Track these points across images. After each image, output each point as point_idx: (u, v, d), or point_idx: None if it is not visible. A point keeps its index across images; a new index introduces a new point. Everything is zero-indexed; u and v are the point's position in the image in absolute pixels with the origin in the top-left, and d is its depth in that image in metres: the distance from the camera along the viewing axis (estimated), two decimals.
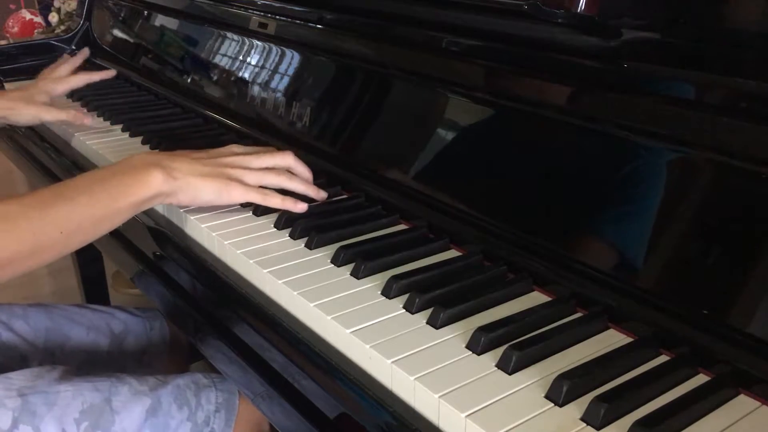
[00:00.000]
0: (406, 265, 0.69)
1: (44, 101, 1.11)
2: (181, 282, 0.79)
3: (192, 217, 0.80)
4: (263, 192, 0.79)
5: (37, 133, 1.18)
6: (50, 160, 1.12)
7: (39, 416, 0.72)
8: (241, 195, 0.78)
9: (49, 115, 1.09)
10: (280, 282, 0.66)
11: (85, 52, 1.33)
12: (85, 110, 1.19)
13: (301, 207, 0.79)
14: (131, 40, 1.46)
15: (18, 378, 0.76)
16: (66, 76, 1.18)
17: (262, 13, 1.08)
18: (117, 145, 1.05)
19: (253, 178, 0.80)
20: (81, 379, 0.77)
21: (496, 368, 0.54)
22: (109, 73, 1.25)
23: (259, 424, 0.83)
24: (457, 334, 0.58)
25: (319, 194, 0.83)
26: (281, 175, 0.81)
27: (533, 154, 0.69)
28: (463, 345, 0.57)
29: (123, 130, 1.11)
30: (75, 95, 1.29)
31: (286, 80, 1.01)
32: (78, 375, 0.79)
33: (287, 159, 0.83)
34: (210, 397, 0.81)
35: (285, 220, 0.77)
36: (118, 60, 1.46)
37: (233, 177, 0.79)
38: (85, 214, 0.70)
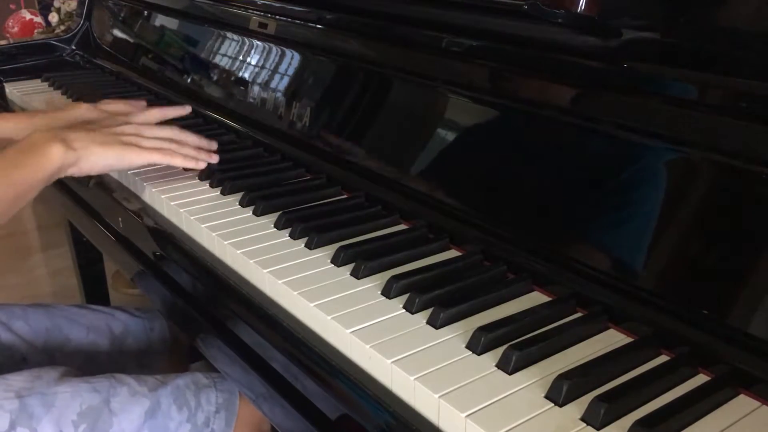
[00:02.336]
0: (406, 265, 0.69)
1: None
2: (182, 282, 0.79)
3: (192, 217, 0.80)
4: (163, 151, 0.85)
5: None
6: None
7: (36, 418, 0.72)
8: (140, 157, 0.84)
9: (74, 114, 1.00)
10: (280, 282, 0.66)
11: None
12: None
13: (202, 164, 0.86)
14: (131, 40, 1.46)
15: (16, 379, 0.76)
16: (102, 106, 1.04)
17: (262, 13, 1.08)
18: None
19: (148, 142, 0.85)
20: (79, 380, 0.77)
21: (496, 368, 0.54)
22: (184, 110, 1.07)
23: (259, 425, 0.83)
24: (457, 334, 0.58)
25: (212, 157, 0.90)
26: (173, 143, 0.87)
27: (533, 154, 0.69)
28: (463, 345, 0.57)
29: None
30: (74, 95, 1.29)
31: (286, 80, 1.01)
32: (77, 376, 0.79)
33: (174, 131, 0.90)
34: (210, 397, 0.80)
35: (285, 220, 0.77)
36: (118, 60, 1.46)
37: (130, 142, 0.84)
38: (5, 194, 0.75)
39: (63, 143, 0.78)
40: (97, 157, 0.81)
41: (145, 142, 0.85)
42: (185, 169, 0.90)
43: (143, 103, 1.03)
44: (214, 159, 0.90)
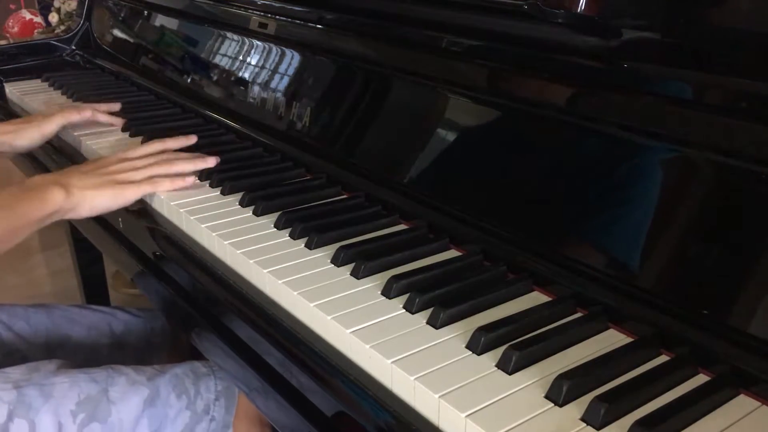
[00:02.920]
0: (406, 265, 0.69)
1: (33, 138, 1.07)
2: (181, 282, 0.80)
3: (192, 218, 0.80)
4: (153, 181, 0.87)
5: None
6: (50, 161, 1.12)
7: (34, 409, 0.72)
8: (133, 193, 0.86)
9: (49, 127, 1.07)
10: (280, 282, 0.66)
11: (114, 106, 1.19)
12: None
13: (189, 182, 0.88)
14: (131, 40, 1.46)
15: (14, 371, 0.76)
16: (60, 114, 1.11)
17: (262, 13, 1.08)
18: (117, 145, 1.05)
19: (140, 174, 0.87)
20: (77, 371, 0.77)
21: (496, 368, 0.54)
22: (117, 121, 1.13)
23: (260, 414, 0.83)
24: (457, 334, 0.58)
25: (207, 162, 0.91)
26: (163, 164, 0.89)
27: (533, 153, 0.69)
28: (463, 345, 0.57)
29: (123, 130, 1.11)
30: (74, 95, 1.29)
31: (285, 80, 1.01)
32: (75, 367, 0.79)
33: (159, 146, 0.93)
34: (209, 385, 0.81)
35: (285, 220, 0.77)
36: (118, 60, 1.46)
37: (123, 180, 0.86)
38: (3, 227, 0.78)
39: (63, 189, 0.81)
40: (93, 201, 0.83)
41: (137, 175, 0.87)
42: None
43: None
44: (211, 162, 0.91)
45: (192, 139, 0.97)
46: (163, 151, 0.92)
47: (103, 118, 1.12)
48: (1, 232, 0.77)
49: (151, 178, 0.87)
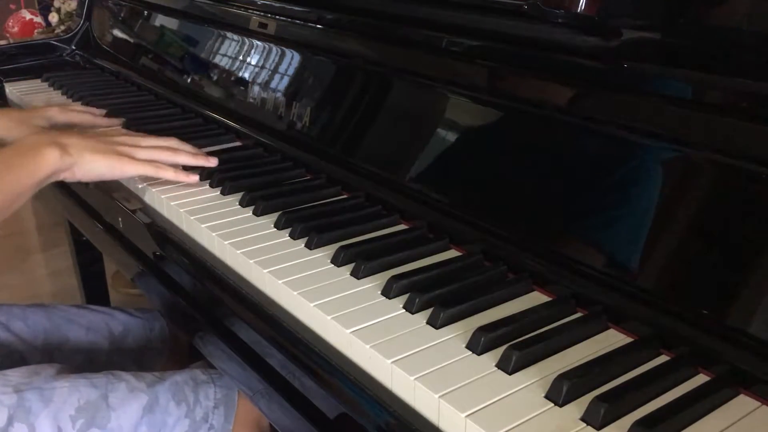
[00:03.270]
0: (406, 265, 0.69)
1: (41, 125, 1.05)
2: (181, 282, 0.79)
3: (192, 218, 0.80)
4: (155, 165, 0.85)
5: None
6: None
7: (34, 413, 0.72)
8: (133, 168, 0.85)
9: (61, 118, 1.07)
10: (280, 282, 0.66)
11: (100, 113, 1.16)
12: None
13: (193, 178, 0.87)
14: (131, 40, 1.46)
15: (14, 375, 0.76)
16: (73, 110, 1.12)
17: (262, 13, 1.08)
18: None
19: (143, 153, 0.86)
20: (77, 376, 0.77)
21: (496, 368, 0.54)
22: (113, 122, 1.12)
23: (259, 420, 0.83)
24: (457, 334, 0.58)
25: (209, 161, 0.91)
26: (167, 151, 0.88)
27: (533, 153, 0.69)
28: (463, 345, 0.57)
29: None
30: (75, 96, 1.29)
31: (285, 80, 1.01)
32: (75, 372, 0.79)
33: (170, 141, 0.91)
34: (209, 393, 0.80)
35: (285, 220, 0.77)
36: (118, 60, 1.46)
37: (124, 153, 0.85)
38: None
39: (59, 147, 0.79)
40: (89, 165, 0.82)
41: (139, 153, 0.86)
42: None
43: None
44: (213, 162, 0.91)
45: (213, 162, 0.91)
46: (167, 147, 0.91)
47: (104, 122, 1.11)
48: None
49: (153, 161, 0.86)
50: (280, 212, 0.79)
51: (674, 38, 0.62)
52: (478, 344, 0.56)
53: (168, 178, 0.86)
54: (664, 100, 0.60)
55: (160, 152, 0.87)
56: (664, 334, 0.56)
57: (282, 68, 1.02)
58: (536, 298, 0.64)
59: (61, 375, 0.77)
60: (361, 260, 0.67)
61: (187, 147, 0.92)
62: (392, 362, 0.55)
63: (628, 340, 0.58)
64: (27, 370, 0.77)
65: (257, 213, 0.81)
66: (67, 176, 0.81)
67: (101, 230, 0.97)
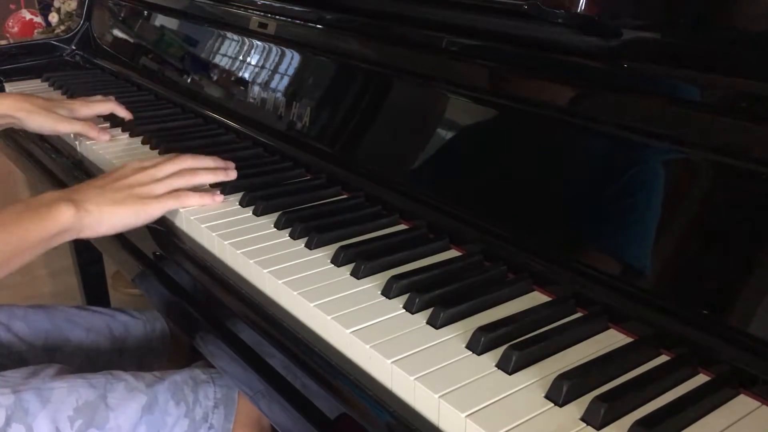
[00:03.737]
0: (406, 265, 0.69)
1: (63, 115, 1.05)
2: (182, 282, 0.79)
3: (192, 218, 0.80)
4: (177, 195, 0.81)
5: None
6: (50, 161, 1.12)
7: (32, 414, 0.72)
8: (158, 208, 0.80)
9: (64, 127, 1.05)
10: (280, 282, 0.66)
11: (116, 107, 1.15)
12: (108, 124, 1.13)
13: (218, 198, 0.83)
14: (131, 40, 1.46)
15: (12, 375, 0.76)
16: (95, 102, 1.12)
17: (262, 13, 1.08)
18: (116, 145, 1.05)
19: (162, 187, 0.81)
20: (76, 376, 0.77)
21: (496, 368, 0.54)
22: (126, 114, 1.13)
23: (260, 420, 0.82)
24: (457, 334, 0.58)
25: (229, 175, 0.86)
26: (185, 174, 0.83)
27: (533, 153, 0.69)
28: (463, 345, 0.57)
29: (123, 131, 1.11)
30: (74, 95, 1.29)
31: (285, 80, 1.01)
32: (73, 372, 0.79)
33: (186, 161, 0.85)
34: (208, 392, 0.80)
35: (285, 220, 0.77)
36: (118, 60, 1.46)
37: (144, 195, 0.80)
38: (0, 249, 0.72)
39: (74, 205, 0.74)
40: (112, 219, 0.77)
41: (159, 187, 0.81)
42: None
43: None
44: (232, 175, 0.87)
45: (232, 174, 0.87)
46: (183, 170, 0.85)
47: (123, 112, 1.11)
48: (1, 256, 0.72)
49: (174, 191, 0.81)
50: (280, 212, 0.79)
51: (674, 38, 0.62)
52: (478, 344, 0.56)
53: (194, 205, 0.82)
54: (663, 100, 0.60)
55: (179, 179, 0.83)
56: (664, 334, 0.56)
57: (282, 68, 1.02)
58: (536, 298, 0.64)
59: (60, 375, 0.77)
60: (361, 260, 0.67)
61: (205, 162, 0.87)
62: (392, 362, 0.55)
63: (628, 340, 0.58)
64: (25, 370, 0.77)
65: (257, 213, 0.81)
66: (89, 235, 0.77)
67: None
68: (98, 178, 0.83)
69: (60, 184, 1.06)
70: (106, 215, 0.77)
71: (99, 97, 1.15)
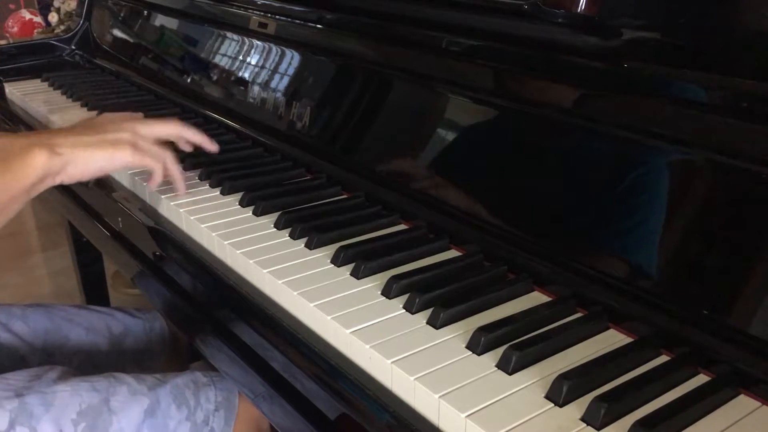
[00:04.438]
0: (406, 265, 0.69)
1: None
2: (181, 282, 0.79)
3: (192, 217, 0.80)
4: (159, 160, 0.80)
5: None
6: None
7: (36, 417, 0.72)
8: (133, 158, 0.78)
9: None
10: (280, 282, 0.66)
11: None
12: None
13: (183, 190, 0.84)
14: (131, 40, 1.46)
15: (15, 378, 0.76)
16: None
17: (262, 13, 1.08)
18: None
19: (145, 144, 0.80)
20: (79, 379, 0.77)
21: (496, 368, 0.54)
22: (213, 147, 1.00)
23: (259, 423, 0.83)
24: (457, 334, 0.58)
25: (213, 145, 0.88)
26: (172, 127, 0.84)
27: (532, 154, 0.69)
28: (463, 345, 0.57)
29: None
30: (75, 96, 1.29)
31: (285, 80, 1.01)
32: (77, 376, 0.79)
33: (175, 127, 0.85)
34: (209, 396, 0.80)
35: (285, 220, 0.77)
36: (118, 60, 1.46)
37: (123, 140, 0.78)
38: None
39: (47, 149, 0.72)
40: (86, 161, 0.75)
41: (140, 142, 0.79)
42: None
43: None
44: (215, 148, 0.89)
45: (215, 147, 0.89)
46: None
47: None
48: None
49: (155, 156, 0.81)
50: (280, 212, 0.79)
51: (674, 38, 0.62)
52: (478, 344, 0.56)
53: (172, 174, 0.83)
54: (663, 100, 0.60)
55: (161, 150, 0.82)
56: (664, 334, 0.56)
57: (282, 68, 1.02)
58: (536, 298, 0.64)
59: (63, 378, 0.77)
60: (361, 260, 0.67)
61: (192, 133, 0.88)
62: (392, 362, 0.55)
63: (628, 340, 0.58)
64: (28, 373, 0.77)
65: (257, 213, 0.81)
66: (63, 179, 0.75)
67: (101, 230, 0.97)
68: (78, 123, 0.82)
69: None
70: (80, 158, 0.75)
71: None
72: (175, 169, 0.84)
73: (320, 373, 0.59)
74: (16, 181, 0.71)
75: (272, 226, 0.78)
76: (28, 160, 0.72)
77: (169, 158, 0.83)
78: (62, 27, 2.14)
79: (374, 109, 0.86)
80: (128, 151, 0.78)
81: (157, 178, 0.83)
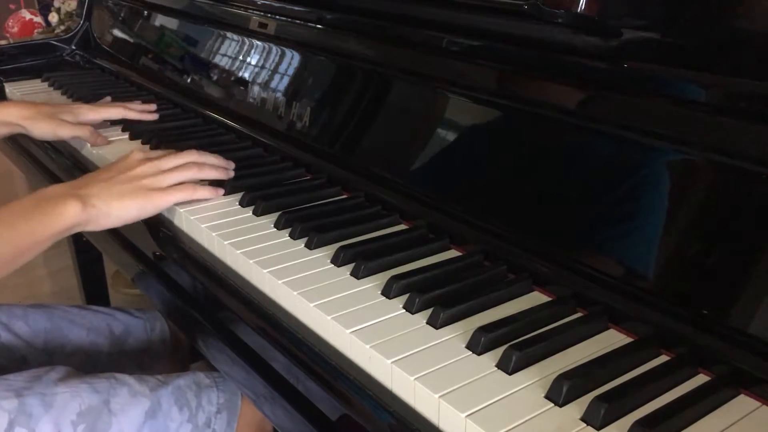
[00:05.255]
0: (406, 265, 0.69)
1: (68, 120, 1.05)
2: (182, 282, 0.79)
3: (192, 218, 0.80)
4: (185, 188, 0.81)
5: None
6: (50, 161, 1.12)
7: (35, 418, 0.72)
8: (164, 200, 0.80)
9: (65, 132, 1.04)
10: (279, 282, 0.66)
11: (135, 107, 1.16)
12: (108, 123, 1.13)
13: (220, 191, 0.84)
14: (131, 40, 1.46)
15: (16, 379, 0.76)
16: (103, 107, 1.12)
17: (262, 13, 1.08)
18: (116, 146, 1.05)
19: (168, 179, 0.81)
20: (79, 380, 0.77)
21: (496, 368, 0.54)
22: (148, 115, 1.14)
23: (261, 425, 0.82)
24: (457, 334, 0.58)
25: (229, 174, 0.88)
26: (192, 168, 0.84)
27: (532, 153, 0.69)
28: (463, 345, 0.57)
29: (123, 131, 1.11)
30: (74, 95, 1.29)
31: (285, 80, 1.01)
32: (77, 376, 0.79)
33: (192, 155, 0.86)
34: (211, 397, 0.80)
35: (285, 220, 0.77)
36: (118, 60, 1.46)
37: (150, 186, 0.80)
38: (7, 247, 0.72)
39: (80, 200, 0.75)
40: (119, 212, 0.77)
41: (166, 179, 0.81)
42: None
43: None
44: (231, 174, 0.89)
45: (231, 174, 0.89)
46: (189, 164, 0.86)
47: (134, 115, 1.11)
48: (5, 252, 0.71)
49: (181, 184, 0.82)
50: (280, 212, 0.79)
51: (674, 38, 0.62)
52: (478, 344, 0.56)
53: (202, 197, 0.83)
54: (663, 100, 0.60)
55: (185, 172, 0.83)
56: (664, 334, 0.56)
57: (282, 68, 1.02)
58: (536, 298, 0.64)
59: (63, 379, 0.77)
60: (361, 260, 0.67)
61: (209, 158, 0.88)
62: (392, 362, 0.55)
63: (628, 340, 0.58)
64: (29, 374, 0.77)
65: (257, 213, 0.81)
66: (93, 228, 0.77)
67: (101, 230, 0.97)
68: (103, 170, 0.83)
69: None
70: (114, 209, 0.77)
71: (107, 99, 1.15)
72: (205, 194, 0.84)
73: (321, 374, 0.59)
74: (45, 227, 0.73)
75: (272, 226, 0.78)
76: (61, 209, 0.74)
77: (202, 190, 0.83)
78: (62, 27, 2.14)
79: (374, 109, 0.86)
80: (159, 197, 0.80)
81: (203, 196, 0.84)
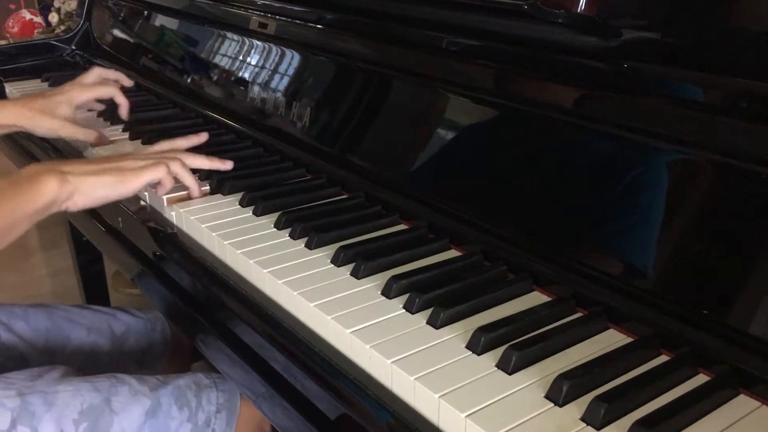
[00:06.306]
0: (406, 265, 0.69)
1: (66, 113, 1.04)
2: (182, 282, 0.79)
3: (192, 218, 0.80)
4: (157, 167, 0.80)
5: None
6: (47, 159, 1.12)
7: (37, 417, 0.72)
8: (137, 179, 0.79)
9: (66, 132, 1.04)
10: (280, 282, 0.66)
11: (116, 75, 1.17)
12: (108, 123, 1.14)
13: (205, 189, 0.84)
14: (131, 40, 1.46)
15: (17, 378, 0.76)
16: (92, 84, 1.12)
17: (262, 13, 1.08)
18: (117, 146, 1.05)
19: (145, 162, 0.81)
20: (80, 380, 0.77)
21: (496, 368, 0.54)
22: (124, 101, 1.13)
23: (260, 425, 0.83)
24: (457, 334, 0.58)
25: (225, 164, 0.88)
26: (178, 154, 0.84)
27: (532, 153, 0.69)
28: (463, 345, 0.57)
29: (123, 131, 1.11)
30: None
31: (285, 80, 1.01)
32: (78, 376, 0.79)
33: (178, 141, 0.87)
34: (211, 397, 0.80)
35: (285, 221, 0.77)
36: (118, 60, 1.46)
37: (126, 168, 0.79)
38: None
39: (58, 176, 0.74)
40: (92, 189, 0.77)
41: (142, 162, 0.81)
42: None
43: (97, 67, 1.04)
44: (228, 165, 0.89)
45: (203, 137, 0.91)
46: (172, 149, 0.87)
47: (122, 99, 1.11)
48: None
49: (155, 163, 0.81)
50: (280, 212, 0.79)
51: (674, 38, 0.62)
52: (478, 344, 0.56)
53: (179, 175, 0.83)
54: (663, 100, 0.60)
55: (172, 162, 0.82)
56: (664, 334, 0.56)
57: (282, 68, 1.02)
58: (536, 298, 0.65)
59: (65, 378, 0.77)
60: (361, 260, 0.67)
61: (192, 141, 0.89)
62: (392, 362, 0.55)
63: (628, 340, 0.58)
64: (30, 373, 0.77)
65: (257, 213, 0.81)
66: (69, 205, 0.77)
67: (101, 230, 0.97)
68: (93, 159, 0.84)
69: None
70: (86, 185, 0.76)
71: (94, 70, 1.13)
72: (186, 177, 0.84)
73: (320, 374, 0.59)
74: (24, 205, 0.72)
75: (272, 226, 0.78)
76: (37, 185, 0.73)
77: (177, 165, 0.83)
78: (62, 27, 2.14)
79: (374, 109, 0.86)
80: (132, 175, 0.79)
81: (167, 186, 0.83)
